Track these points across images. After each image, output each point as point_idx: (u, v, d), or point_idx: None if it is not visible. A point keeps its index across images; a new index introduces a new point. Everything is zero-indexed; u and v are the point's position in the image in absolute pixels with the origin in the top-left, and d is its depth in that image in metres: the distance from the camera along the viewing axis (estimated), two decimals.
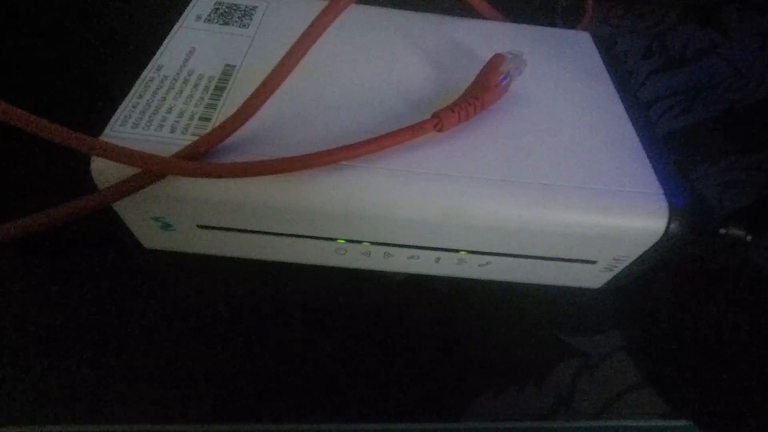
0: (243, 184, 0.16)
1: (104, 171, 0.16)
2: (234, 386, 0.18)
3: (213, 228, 0.18)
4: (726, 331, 0.18)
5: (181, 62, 0.19)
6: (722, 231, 0.19)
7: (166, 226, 0.18)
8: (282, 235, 0.18)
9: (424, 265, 0.20)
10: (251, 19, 0.21)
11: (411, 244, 0.18)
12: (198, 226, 0.18)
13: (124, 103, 0.17)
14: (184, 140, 0.16)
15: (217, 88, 0.18)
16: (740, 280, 0.18)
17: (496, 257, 0.19)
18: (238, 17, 0.21)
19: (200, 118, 0.17)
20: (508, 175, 0.17)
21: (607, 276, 0.20)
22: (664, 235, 0.17)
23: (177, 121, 0.17)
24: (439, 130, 0.17)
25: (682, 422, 0.19)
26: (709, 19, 0.36)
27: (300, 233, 0.18)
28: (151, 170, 0.15)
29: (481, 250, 0.18)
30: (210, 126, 0.17)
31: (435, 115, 0.17)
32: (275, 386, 0.18)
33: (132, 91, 0.17)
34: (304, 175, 0.16)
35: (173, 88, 0.18)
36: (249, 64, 0.19)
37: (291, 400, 0.18)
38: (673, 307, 0.20)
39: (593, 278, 0.20)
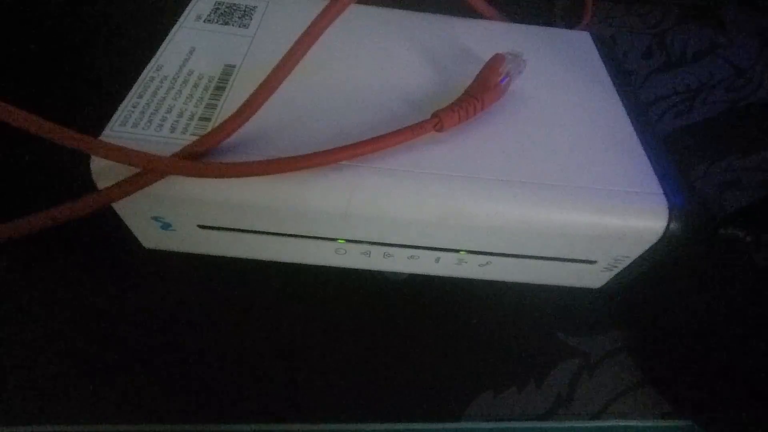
0: (243, 184, 0.16)
1: (104, 171, 0.16)
2: (234, 386, 0.18)
3: (213, 228, 0.18)
4: (726, 330, 0.18)
5: (181, 62, 0.19)
6: (722, 231, 0.19)
7: (166, 226, 0.18)
8: (282, 235, 0.18)
9: (424, 265, 0.20)
10: (251, 19, 0.21)
11: (411, 244, 0.18)
12: (198, 226, 0.18)
13: (124, 103, 0.17)
14: (184, 140, 0.16)
15: (217, 88, 0.18)
16: (740, 280, 0.18)
17: (496, 257, 0.19)
18: (238, 17, 0.21)
19: (200, 118, 0.17)
20: (508, 175, 0.17)
21: (607, 276, 0.20)
22: (663, 235, 0.17)
23: (177, 121, 0.17)
24: (439, 130, 0.17)
25: (682, 422, 0.20)
26: (709, 18, 0.36)
27: (300, 233, 0.18)
28: (151, 170, 0.15)
29: (481, 250, 0.18)
30: (210, 126, 0.17)
31: (435, 115, 0.17)
32: (275, 386, 0.18)
33: (132, 91, 0.17)
34: (304, 175, 0.16)
35: (173, 88, 0.18)
36: (249, 64, 0.19)
37: (290, 400, 0.18)
38: (673, 307, 0.20)
39: (593, 278, 0.20)
